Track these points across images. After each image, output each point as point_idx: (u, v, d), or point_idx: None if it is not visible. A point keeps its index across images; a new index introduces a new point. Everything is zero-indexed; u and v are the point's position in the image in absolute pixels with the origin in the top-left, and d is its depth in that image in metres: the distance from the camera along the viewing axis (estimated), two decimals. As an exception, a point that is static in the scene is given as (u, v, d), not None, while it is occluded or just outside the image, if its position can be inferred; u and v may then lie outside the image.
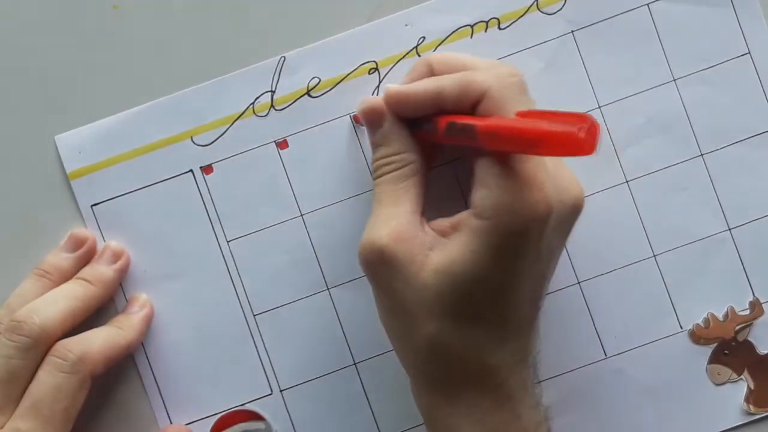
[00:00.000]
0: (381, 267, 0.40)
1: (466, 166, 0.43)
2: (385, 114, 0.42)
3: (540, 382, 0.44)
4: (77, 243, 0.46)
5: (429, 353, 0.40)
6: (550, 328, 0.46)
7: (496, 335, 0.40)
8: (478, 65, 0.42)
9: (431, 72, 0.42)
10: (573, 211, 0.40)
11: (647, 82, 0.46)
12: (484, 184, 0.39)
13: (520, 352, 0.41)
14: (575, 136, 0.33)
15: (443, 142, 0.41)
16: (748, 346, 0.46)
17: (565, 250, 0.46)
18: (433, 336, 0.39)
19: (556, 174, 0.39)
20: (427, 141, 0.42)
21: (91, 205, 0.47)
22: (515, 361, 0.41)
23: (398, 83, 0.43)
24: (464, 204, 0.41)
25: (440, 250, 0.39)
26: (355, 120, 0.46)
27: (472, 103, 0.39)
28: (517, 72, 0.40)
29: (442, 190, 0.45)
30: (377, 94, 0.46)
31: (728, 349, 0.46)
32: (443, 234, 0.40)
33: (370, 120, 0.42)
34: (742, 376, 0.46)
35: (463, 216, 0.39)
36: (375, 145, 0.42)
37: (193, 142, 0.47)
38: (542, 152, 0.36)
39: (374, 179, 0.42)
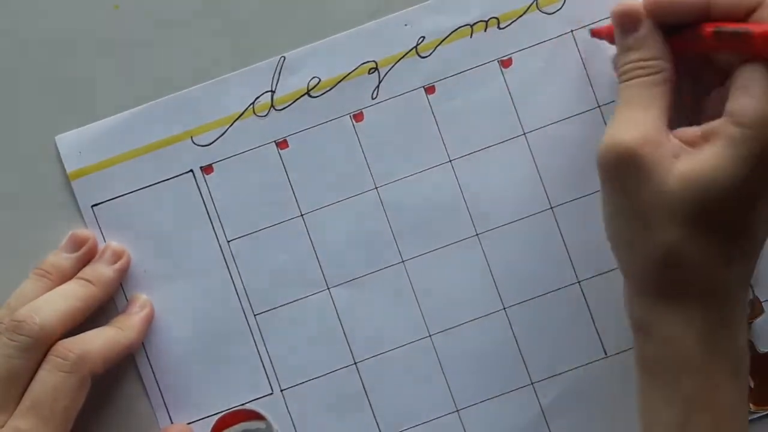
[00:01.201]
0: (625, 169, 0.38)
1: (703, 79, 0.42)
2: (642, 18, 0.40)
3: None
4: (78, 243, 0.46)
5: (663, 260, 0.39)
6: (550, 328, 0.46)
7: (736, 250, 0.39)
8: None
9: None
10: None
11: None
12: (746, 92, 0.37)
13: (750, 272, 0.40)
14: None
15: (703, 50, 0.40)
16: (748, 345, 0.46)
17: (565, 250, 0.46)
18: (672, 243, 0.38)
19: None
20: (678, 50, 0.41)
21: (92, 206, 0.47)
22: (744, 281, 0.40)
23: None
24: (696, 121, 0.40)
25: (688, 158, 0.38)
26: (594, 34, 0.45)
27: (744, 13, 0.38)
28: None
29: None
30: (377, 95, 0.46)
31: (728, 348, 0.46)
32: (690, 144, 0.38)
33: (625, 23, 0.41)
34: (742, 376, 0.46)
35: (717, 124, 0.38)
36: (627, 48, 0.41)
37: (193, 142, 0.47)
38: None
39: (621, 81, 0.41)
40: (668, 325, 0.39)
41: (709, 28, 0.39)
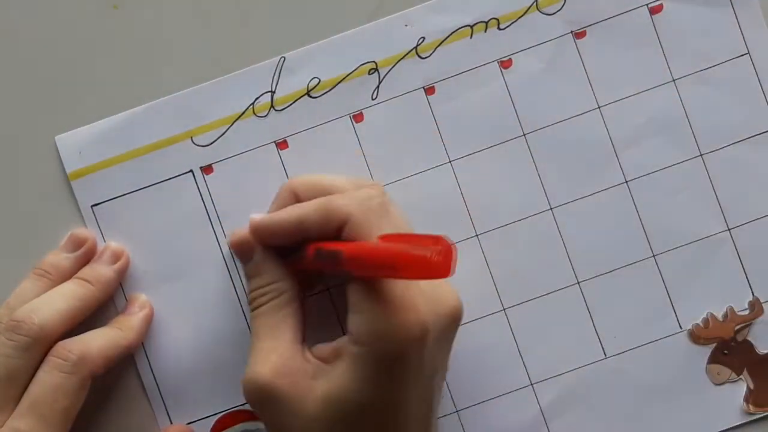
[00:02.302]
0: (266, 404, 0.39)
1: (341, 290, 0.43)
2: (253, 245, 0.42)
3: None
4: (77, 243, 0.46)
5: None
6: (551, 328, 0.46)
7: None
8: (340, 187, 0.41)
9: (296, 198, 0.42)
10: (451, 322, 0.40)
11: (647, 83, 0.46)
12: (357, 309, 0.38)
13: None
14: (429, 259, 0.33)
15: (314, 268, 0.41)
16: (748, 346, 0.46)
17: (564, 250, 0.46)
18: None
19: (429, 290, 0.39)
20: (300, 268, 0.41)
21: (92, 206, 0.47)
22: None
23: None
24: (342, 329, 0.41)
25: (324, 378, 0.39)
26: (231, 247, 0.46)
27: (335, 229, 0.39)
28: (378, 193, 0.40)
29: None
30: (377, 95, 0.47)
31: (728, 349, 0.46)
32: (325, 361, 0.39)
33: (239, 252, 0.43)
34: (741, 376, 0.46)
35: (342, 342, 0.39)
36: (248, 276, 0.42)
37: (193, 142, 0.47)
38: (403, 276, 0.35)
39: (250, 312, 0.42)
40: None
41: (311, 249, 0.39)
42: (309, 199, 0.41)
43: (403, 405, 0.39)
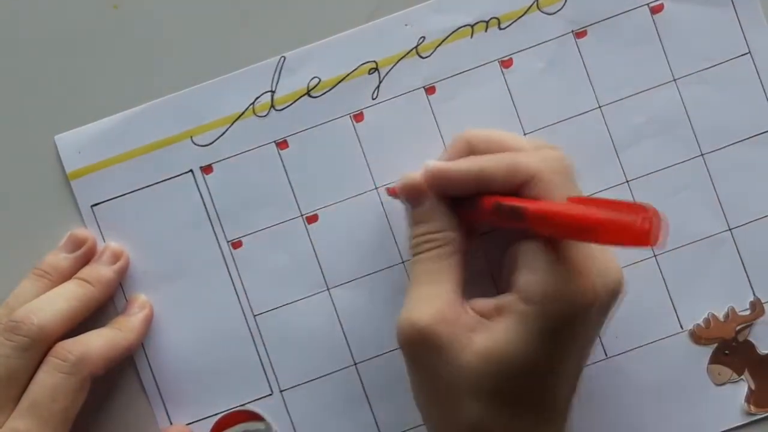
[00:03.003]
0: (422, 348, 0.39)
1: (497, 244, 0.43)
2: (426, 192, 0.41)
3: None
4: (77, 243, 0.46)
5: None
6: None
7: (539, 420, 0.39)
8: (522, 146, 0.41)
9: (471, 150, 0.42)
10: (614, 295, 0.40)
11: (647, 82, 0.46)
12: (531, 269, 0.38)
13: None
14: (636, 226, 0.33)
15: (485, 222, 0.40)
16: (749, 347, 0.46)
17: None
18: (475, 419, 0.38)
19: (599, 258, 0.39)
20: (465, 219, 0.41)
21: (91, 206, 0.47)
22: None
23: (434, 153, 0.43)
24: (493, 284, 0.41)
25: (484, 333, 0.38)
26: (390, 192, 0.45)
27: (518, 185, 0.39)
28: (564, 156, 0.40)
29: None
30: (377, 95, 0.46)
31: (729, 349, 0.46)
32: (485, 316, 0.39)
33: (411, 197, 0.41)
34: (742, 377, 0.46)
35: (507, 299, 0.39)
36: (415, 221, 0.41)
37: (193, 142, 0.47)
38: (597, 240, 0.35)
39: (413, 256, 0.41)
40: None
41: (489, 202, 0.39)
42: (484, 152, 0.41)
43: (560, 369, 0.39)
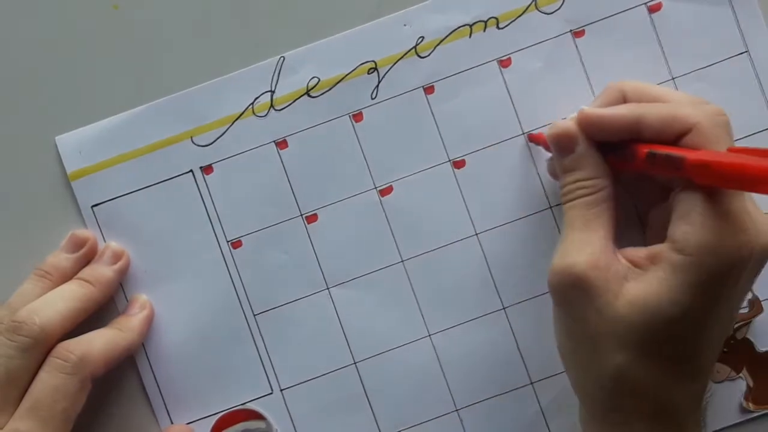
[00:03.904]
0: (574, 293, 0.39)
1: (641, 194, 0.43)
2: (578, 138, 0.41)
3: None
4: (78, 243, 0.46)
5: (612, 384, 0.39)
6: (550, 327, 0.46)
7: (684, 374, 0.39)
8: (678, 99, 0.41)
9: (624, 99, 0.42)
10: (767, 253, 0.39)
11: (646, 81, 0.46)
12: (687, 219, 0.38)
13: (701, 392, 0.40)
14: None
15: (637, 169, 0.40)
16: (747, 344, 0.46)
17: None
18: (620, 367, 0.38)
19: (755, 214, 0.38)
20: (619, 167, 0.41)
21: (92, 206, 0.47)
22: (694, 401, 0.40)
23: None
24: (640, 233, 0.41)
25: (636, 281, 0.38)
26: (533, 139, 0.46)
27: (675, 135, 0.39)
28: (723, 111, 0.40)
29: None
30: (376, 95, 0.47)
31: (727, 347, 0.46)
32: (636, 265, 0.39)
33: (562, 144, 0.41)
34: (741, 374, 0.46)
35: (661, 249, 0.38)
36: (566, 169, 0.41)
37: (193, 142, 0.47)
38: (762, 190, 0.35)
39: (564, 203, 0.41)
40: None
41: (643, 150, 0.39)
42: (637, 102, 0.41)
43: (711, 322, 0.38)
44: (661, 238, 0.39)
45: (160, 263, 0.47)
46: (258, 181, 0.47)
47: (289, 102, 0.47)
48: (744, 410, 0.46)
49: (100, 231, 0.47)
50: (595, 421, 0.41)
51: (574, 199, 0.41)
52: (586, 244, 0.39)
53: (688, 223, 0.38)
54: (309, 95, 0.47)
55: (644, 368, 0.38)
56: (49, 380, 0.42)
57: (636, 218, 0.45)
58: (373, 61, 0.47)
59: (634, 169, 0.40)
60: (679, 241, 0.38)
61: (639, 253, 0.39)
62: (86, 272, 0.46)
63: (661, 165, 0.39)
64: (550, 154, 0.44)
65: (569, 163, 0.41)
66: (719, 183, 0.37)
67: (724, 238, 0.37)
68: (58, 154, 0.47)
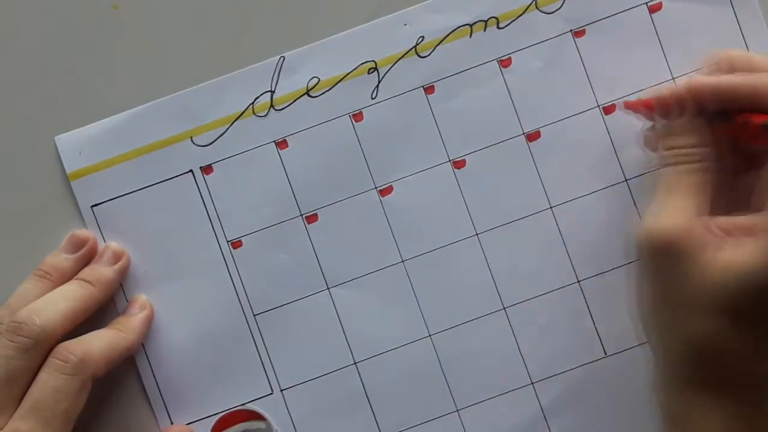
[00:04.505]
0: (667, 257, 0.39)
1: (732, 161, 0.42)
2: (688, 104, 0.41)
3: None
4: (78, 244, 0.46)
5: (699, 349, 0.38)
6: (550, 328, 0.46)
7: None
8: None
9: (733, 68, 0.41)
10: None
11: (646, 81, 0.46)
12: None
13: None
14: None
15: (747, 139, 0.40)
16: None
17: (564, 249, 0.46)
18: (709, 333, 0.38)
19: None
20: (720, 135, 0.41)
21: (92, 206, 0.47)
22: None
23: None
24: (734, 204, 0.40)
25: (731, 251, 0.38)
26: (629, 106, 0.45)
27: None
28: None
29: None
30: (376, 95, 0.47)
31: (729, 347, 0.46)
32: (730, 234, 0.39)
33: (669, 109, 0.41)
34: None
35: (758, 219, 0.38)
36: (671, 133, 0.41)
37: (193, 142, 0.47)
38: None
39: (664, 166, 0.41)
40: (701, 418, 0.39)
41: (758, 120, 0.39)
42: (745, 72, 0.41)
43: None
44: (747, 205, 0.39)
45: (160, 263, 0.47)
46: (258, 181, 0.47)
47: (289, 102, 0.47)
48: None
49: (100, 231, 0.47)
50: (671, 389, 0.40)
51: (675, 164, 0.40)
52: (682, 210, 0.39)
53: None
54: (309, 95, 0.47)
55: (735, 337, 0.38)
56: (49, 381, 0.42)
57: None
58: (373, 61, 0.47)
59: (742, 138, 0.40)
60: None
61: (733, 222, 0.39)
62: (86, 272, 0.46)
63: None
64: (643, 125, 0.44)
65: (677, 128, 0.41)
66: None
67: None
68: (58, 154, 0.47)
